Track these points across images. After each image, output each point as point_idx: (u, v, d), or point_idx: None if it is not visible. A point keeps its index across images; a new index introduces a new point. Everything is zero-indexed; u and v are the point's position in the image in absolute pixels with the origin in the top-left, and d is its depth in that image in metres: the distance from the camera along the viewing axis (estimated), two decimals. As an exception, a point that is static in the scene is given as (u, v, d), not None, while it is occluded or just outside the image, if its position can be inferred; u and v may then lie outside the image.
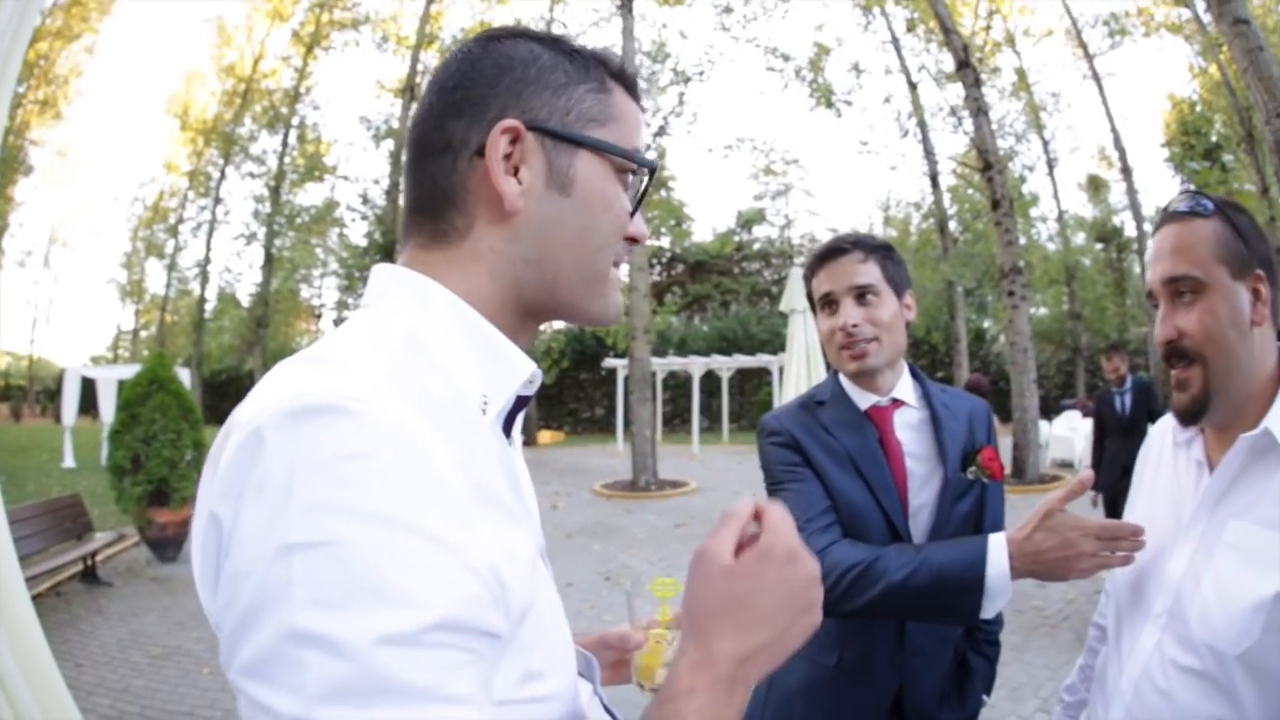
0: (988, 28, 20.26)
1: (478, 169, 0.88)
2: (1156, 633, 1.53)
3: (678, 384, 30.21)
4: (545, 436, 30.57)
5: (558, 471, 20.06)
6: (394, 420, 0.70)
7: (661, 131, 18.75)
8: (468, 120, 0.89)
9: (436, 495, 0.70)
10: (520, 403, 0.95)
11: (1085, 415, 21.45)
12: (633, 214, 1.00)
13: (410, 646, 0.65)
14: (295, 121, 30.72)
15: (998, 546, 1.78)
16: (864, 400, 2.15)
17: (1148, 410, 7.73)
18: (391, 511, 0.67)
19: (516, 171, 0.89)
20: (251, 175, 30.95)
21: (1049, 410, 23.84)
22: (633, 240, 1.00)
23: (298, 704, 0.63)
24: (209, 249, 33.49)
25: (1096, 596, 7.64)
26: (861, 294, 2.08)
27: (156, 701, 5.41)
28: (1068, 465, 17.12)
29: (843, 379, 2.21)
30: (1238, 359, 1.46)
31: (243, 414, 0.73)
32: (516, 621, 0.76)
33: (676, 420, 32.25)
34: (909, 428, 2.15)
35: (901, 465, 2.09)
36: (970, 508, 2.11)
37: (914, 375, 2.25)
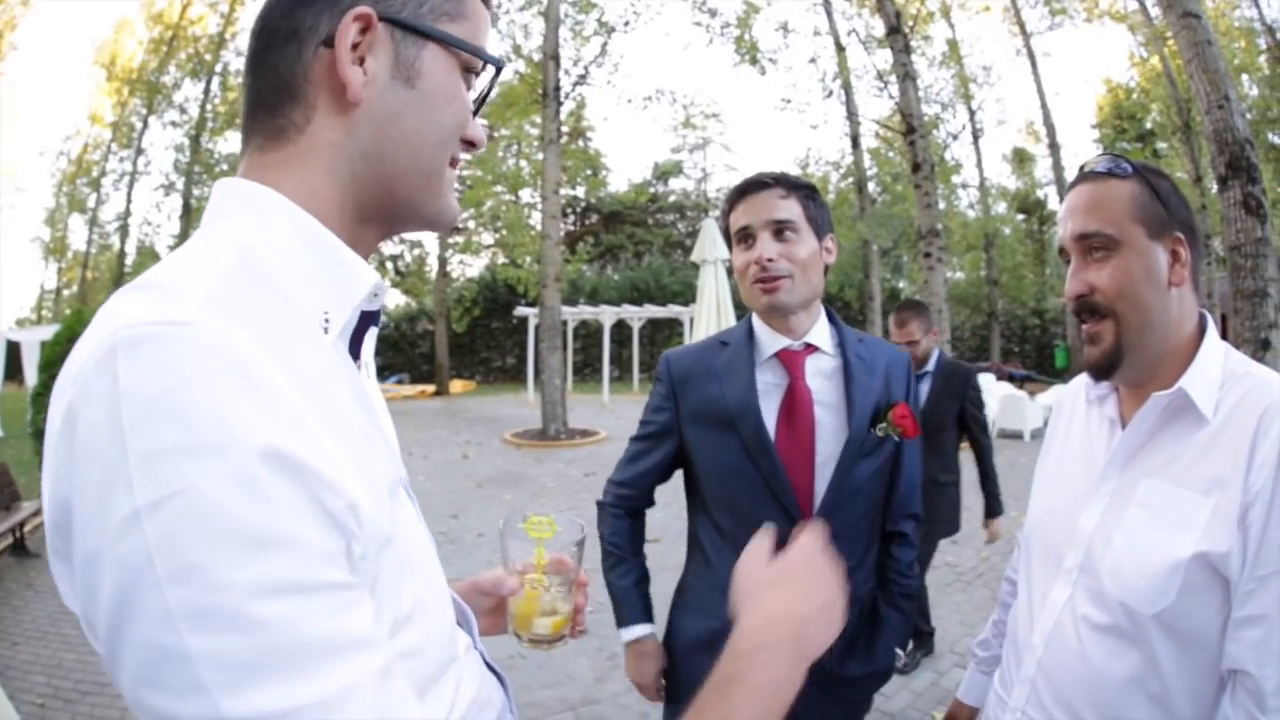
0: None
1: (323, 59, 0.86)
2: (1068, 588, 1.53)
3: (589, 333, 30.22)
4: (457, 386, 30.49)
5: (469, 421, 20.04)
6: (222, 340, 0.64)
7: (582, 80, 18.57)
8: (319, 8, 0.86)
9: (280, 414, 0.65)
10: (367, 321, 0.92)
11: (999, 378, 22.10)
12: (475, 114, 0.98)
13: (298, 594, 0.61)
14: (219, 68, 30.02)
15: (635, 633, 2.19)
16: (775, 343, 2.10)
17: (960, 408, 4.89)
18: (237, 438, 0.61)
19: (362, 62, 0.86)
20: (173, 124, 30.31)
21: (964, 371, 24.46)
22: (470, 144, 0.98)
23: (203, 707, 0.58)
24: (129, 201, 32.73)
25: (1011, 555, 7.90)
26: (780, 229, 2.04)
27: (89, 675, 5.26)
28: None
29: (755, 321, 2.17)
30: (1152, 316, 1.44)
31: (70, 364, 0.67)
32: (375, 554, 0.72)
33: (587, 370, 32.22)
34: (821, 375, 2.10)
35: (810, 413, 2.05)
36: (878, 466, 2.09)
37: (831, 321, 2.20)
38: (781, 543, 1.79)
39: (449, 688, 0.89)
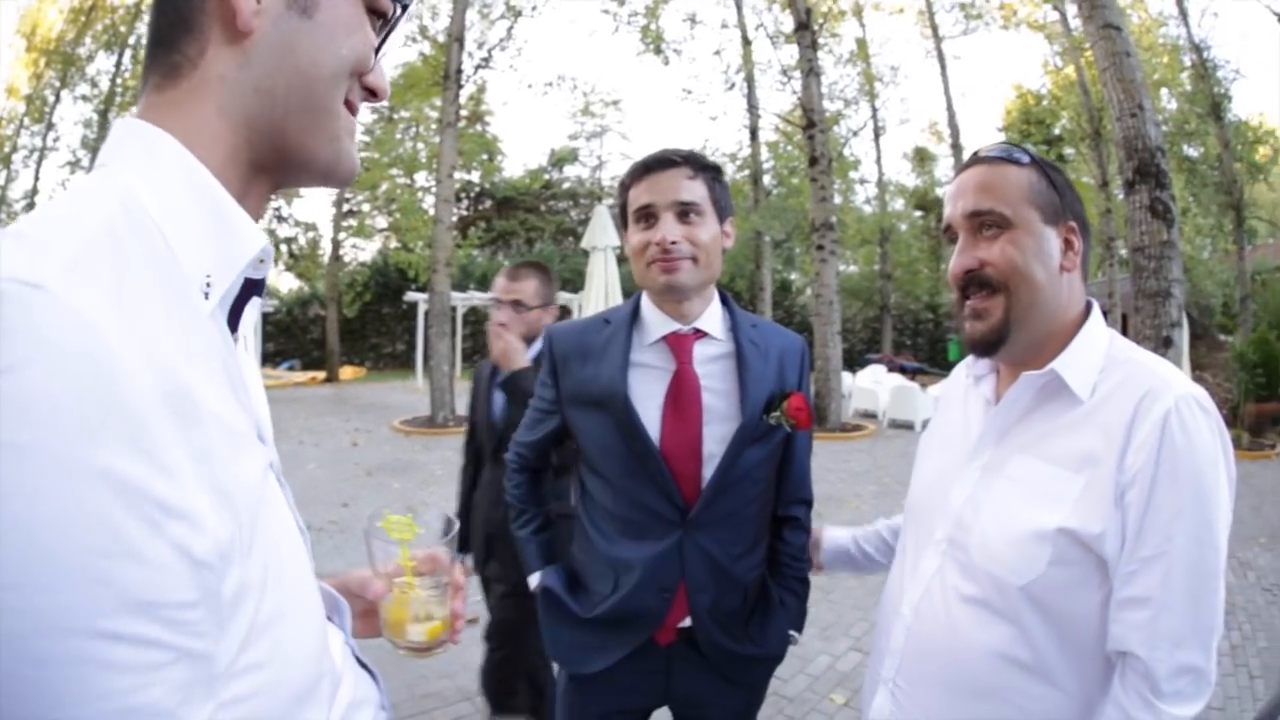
0: None
1: None
2: (937, 559, 1.55)
3: (479, 319, 29.88)
4: (347, 372, 29.93)
5: (359, 408, 19.83)
6: (74, 316, 0.58)
7: (485, 64, 18.48)
8: None
9: (118, 416, 0.58)
10: (250, 289, 0.86)
11: (890, 370, 22.69)
12: (377, 53, 0.93)
13: (100, 640, 0.56)
14: (133, 41, 28.94)
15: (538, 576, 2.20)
16: (663, 325, 2.07)
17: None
18: (55, 444, 0.55)
19: None
20: (84, 99, 29.08)
21: (853, 363, 24.88)
22: (372, 93, 0.94)
23: None
24: (37, 179, 31.22)
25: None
26: (685, 211, 2.00)
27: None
28: (871, 415, 17.83)
29: (644, 302, 2.14)
30: (1043, 295, 1.47)
31: None
32: (243, 556, 0.67)
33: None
34: (710, 361, 2.08)
35: (697, 399, 2.03)
36: (767, 454, 2.08)
37: (726, 305, 2.18)
38: (662, 524, 2.00)
39: (322, 699, 0.83)
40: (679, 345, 2.06)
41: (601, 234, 11.09)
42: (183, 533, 0.60)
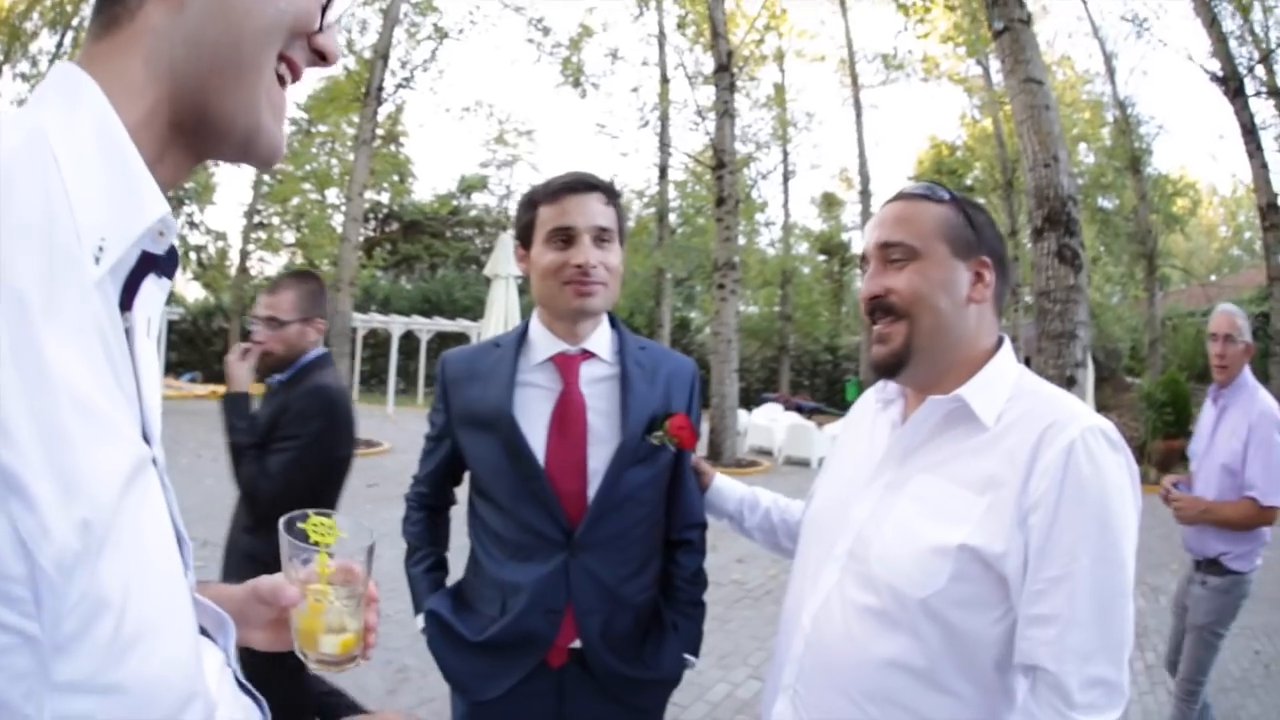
0: (760, 41, 20.60)
1: None
2: (837, 573, 1.59)
3: (377, 342, 29.36)
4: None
5: None
6: None
7: (406, 84, 18.42)
8: None
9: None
10: (148, 265, 0.78)
11: (787, 409, 22.99)
12: (325, 13, 0.87)
13: None
14: (76, 21, 28.02)
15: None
16: (551, 346, 2.09)
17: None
18: None
19: None
20: (24, 77, 27.95)
21: (750, 401, 25.17)
22: (321, 56, 0.89)
23: None
24: None
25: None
26: (601, 236, 2.02)
27: None
28: (766, 453, 18.01)
29: (534, 323, 2.15)
30: (946, 323, 1.54)
31: None
32: (90, 563, 0.60)
33: (374, 380, 31.35)
34: (596, 381, 2.10)
35: (581, 420, 2.05)
36: (652, 476, 2.09)
37: (614, 327, 2.20)
38: (547, 546, 2.02)
39: None
40: (566, 366, 2.08)
41: (505, 262, 11.13)
42: (19, 512, 0.55)
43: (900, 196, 1.64)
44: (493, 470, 2.06)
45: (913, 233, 1.56)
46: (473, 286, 34.83)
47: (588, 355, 2.10)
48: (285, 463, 3.08)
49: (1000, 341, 1.63)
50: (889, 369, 1.60)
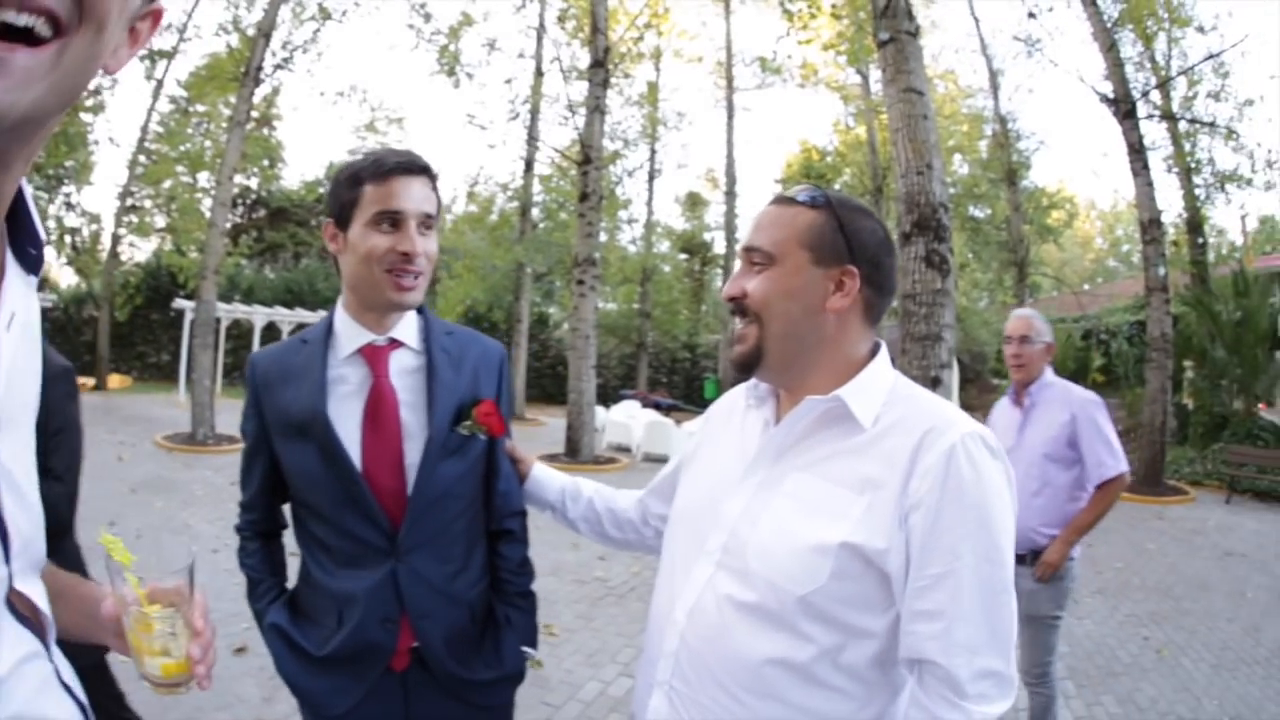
0: (639, 39, 20.59)
1: None
2: (709, 568, 1.59)
3: (240, 333, 28.57)
4: (114, 381, 27.86)
5: (124, 420, 18.65)
6: None
7: (285, 64, 17.89)
8: None
9: None
10: None
11: (645, 405, 23.14)
12: None
13: None
14: None
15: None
16: (358, 337, 1.99)
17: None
18: None
19: None
20: None
21: (608, 398, 25.28)
22: None
23: None
24: None
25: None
26: (426, 223, 1.94)
27: None
28: (625, 449, 18.09)
29: (339, 314, 2.04)
30: (797, 330, 1.56)
31: None
32: None
33: (236, 373, 29.86)
34: (405, 373, 2.01)
35: (394, 414, 1.97)
36: (467, 468, 2.04)
37: (421, 313, 2.11)
38: (372, 553, 1.96)
39: None
40: (374, 357, 1.99)
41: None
42: None
43: (775, 200, 1.65)
44: (311, 478, 1.97)
45: (772, 239, 1.58)
46: (335, 278, 33.15)
47: (396, 345, 2.02)
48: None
49: (877, 348, 1.65)
50: (741, 367, 1.64)
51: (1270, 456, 14.82)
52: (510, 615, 2.16)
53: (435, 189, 2.00)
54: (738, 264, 1.66)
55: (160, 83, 23.01)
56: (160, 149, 20.54)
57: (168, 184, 22.18)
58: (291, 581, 2.19)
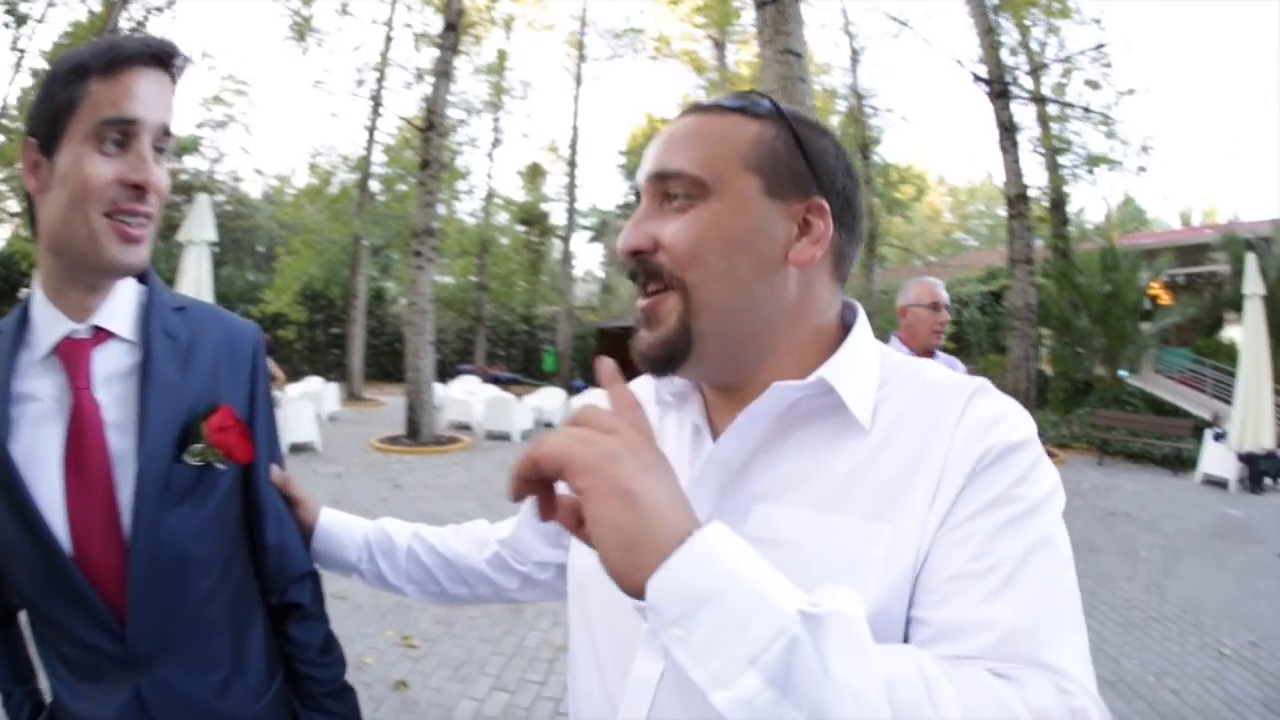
0: (492, 5, 20.60)
1: None
2: (656, 659, 1.00)
3: None
4: None
5: None
6: None
7: (140, 26, 16.77)
8: None
9: None
10: None
11: (484, 381, 22.86)
12: None
13: None
14: None
15: None
16: (55, 328, 1.29)
17: None
18: None
19: None
20: None
21: (446, 374, 24.99)
22: None
23: None
24: None
25: None
26: (164, 142, 1.27)
27: None
28: (465, 427, 17.70)
29: (37, 293, 1.32)
30: (741, 296, 1.01)
31: None
32: None
33: None
34: (116, 378, 1.31)
35: (102, 446, 1.26)
36: (211, 516, 1.35)
37: (145, 281, 1.40)
38: (105, 663, 1.28)
39: None
40: (73, 357, 1.28)
41: (199, 227, 10.05)
42: None
43: (697, 108, 1.09)
44: (7, 549, 1.27)
45: (701, 158, 1.02)
46: (177, 258, 31.76)
47: (103, 336, 1.31)
48: None
49: (851, 312, 1.12)
50: (659, 365, 1.04)
51: (1141, 421, 16.45)
52: None
53: (176, 92, 1.30)
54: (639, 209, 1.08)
55: (23, 53, 21.21)
56: (17, 126, 18.78)
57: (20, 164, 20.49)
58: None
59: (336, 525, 1.56)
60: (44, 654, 1.36)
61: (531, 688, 4.88)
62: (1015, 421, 0.97)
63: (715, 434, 1.10)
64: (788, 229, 1.02)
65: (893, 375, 1.04)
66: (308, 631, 1.51)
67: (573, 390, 25.14)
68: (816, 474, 0.99)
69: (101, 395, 1.28)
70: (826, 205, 1.03)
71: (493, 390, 19.58)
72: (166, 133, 1.26)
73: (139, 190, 1.22)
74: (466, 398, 18.53)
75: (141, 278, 1.38)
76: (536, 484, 0.84)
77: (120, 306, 1.33)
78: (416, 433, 15.16)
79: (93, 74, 1.21)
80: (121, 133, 1.21)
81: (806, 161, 1.04)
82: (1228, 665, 5.67)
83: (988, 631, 0.83)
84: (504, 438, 16.75)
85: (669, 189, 1.03)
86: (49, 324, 1.29)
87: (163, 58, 1.26)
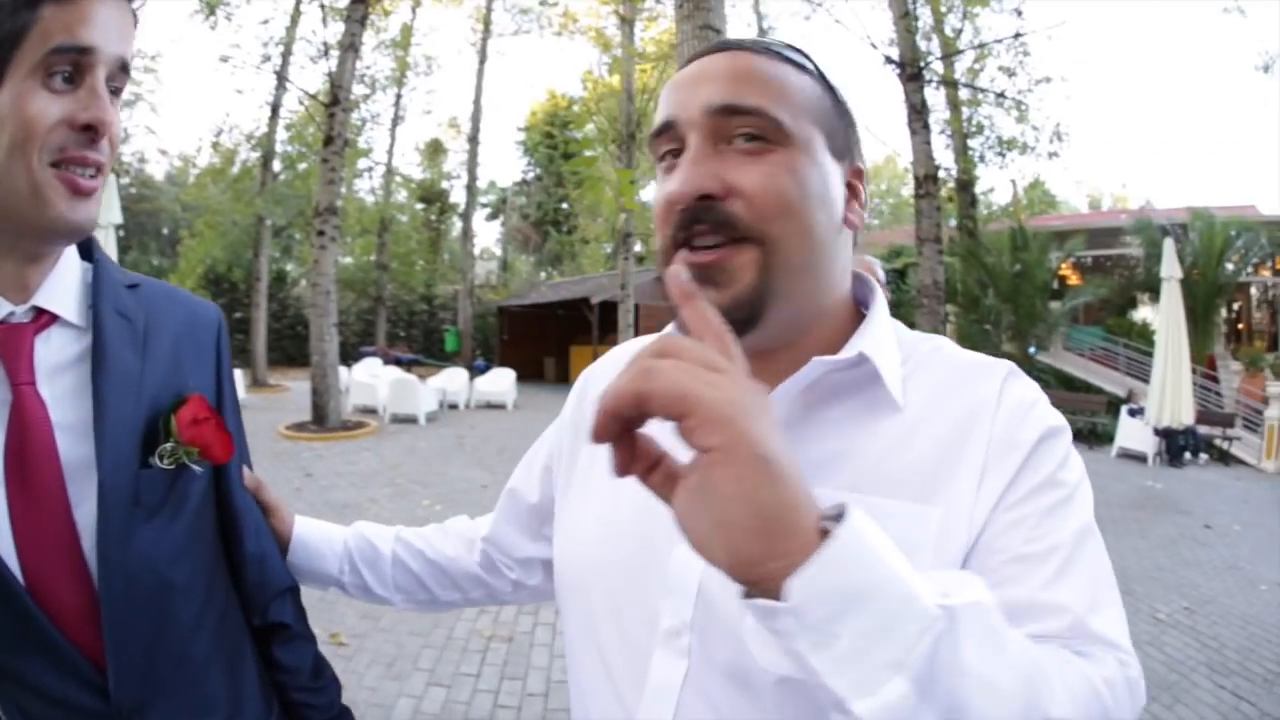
0: None
1: None
2: (679, 660, 0.93)
3: None
4: None
5: None
6: None
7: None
8: None
9: None
10: None
11: (386, 362, 22.54)
12: None
13: None
14: None
15: None
16: None
17: None
18: None
19: None
20: None
21: (348, 356, 24.61)
22: None
23: None
24: None
25: None
26: (119, 76, 1.05)
27: None
28: (371, 411, 17.49)
29: None
30: (819, 257, 0.94)
31: None
32: None
33: None
34: (61, 371, 1.09)
35: (51, 452, 1.04)
36: (187, 530, 1.17)
37: (88, 256, 1.20)
38: (87, 717, 1.07)
39: None
40: (10, 346, 1.05)
41: (104, 209, 9.52)
42: None
43: (735, 46, 0.97)
44: None
45: (780, 100, 0.92)
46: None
47: (45, 319, 1.09)
48: None
49: (865, 285, 1.07)
50: (734, 325, 0.80)
51: (1055, 396, 17.04)
52: None
53: (137, 21, 1.09)
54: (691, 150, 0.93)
55: None
56: None
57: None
58: None
59: (313, 534, 1.41)
60: (9, 710, 1.08)
61: (467, 681, 4.85)
62: (1046, 405, 0.96)
63: None
64: (842, 192, 0.98)
65: (913, 351, 1.00)
66: (296, 654, 1.36)
67: (475, 371, 24.92)
68: (852, 454, 0.93)
69: (46, 391, 1.06)
70: (863, 169, 1.03)
71: (396, 372, 19.34)
72: (124, 68, 1.06)
73: (91, 133, 1.01)
74: (371, 381, 18.25)
75: (85, 253, 1.19)
76: (626, 424, 0.66)
77: (64, 284, 1.12)
78: (323, 418, 14.85)
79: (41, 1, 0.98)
80: (73, 64, 1.00)
81: (847, 125, 1.01)
82: (1164, 630, 5.95)
83: (1063, 613, 0.83)
84: (410, 420, 16.63)
85: (734, 128, 0.91)
86: None
87: None
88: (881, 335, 0.98)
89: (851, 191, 0.99)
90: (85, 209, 1.04)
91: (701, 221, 0.90)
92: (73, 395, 1.08)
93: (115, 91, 1.06)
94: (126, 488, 1.07)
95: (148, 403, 1.12)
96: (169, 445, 1.11)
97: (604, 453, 0.76)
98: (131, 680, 1.08)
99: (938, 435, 0.92)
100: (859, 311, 1.04)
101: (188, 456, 1.12)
